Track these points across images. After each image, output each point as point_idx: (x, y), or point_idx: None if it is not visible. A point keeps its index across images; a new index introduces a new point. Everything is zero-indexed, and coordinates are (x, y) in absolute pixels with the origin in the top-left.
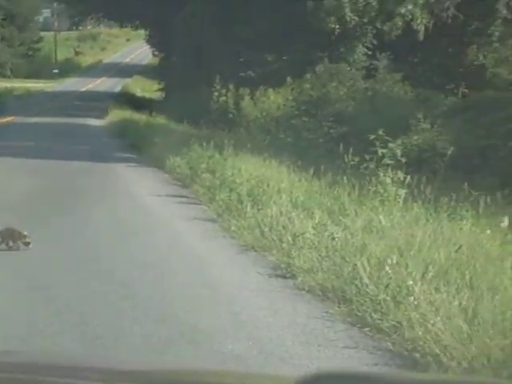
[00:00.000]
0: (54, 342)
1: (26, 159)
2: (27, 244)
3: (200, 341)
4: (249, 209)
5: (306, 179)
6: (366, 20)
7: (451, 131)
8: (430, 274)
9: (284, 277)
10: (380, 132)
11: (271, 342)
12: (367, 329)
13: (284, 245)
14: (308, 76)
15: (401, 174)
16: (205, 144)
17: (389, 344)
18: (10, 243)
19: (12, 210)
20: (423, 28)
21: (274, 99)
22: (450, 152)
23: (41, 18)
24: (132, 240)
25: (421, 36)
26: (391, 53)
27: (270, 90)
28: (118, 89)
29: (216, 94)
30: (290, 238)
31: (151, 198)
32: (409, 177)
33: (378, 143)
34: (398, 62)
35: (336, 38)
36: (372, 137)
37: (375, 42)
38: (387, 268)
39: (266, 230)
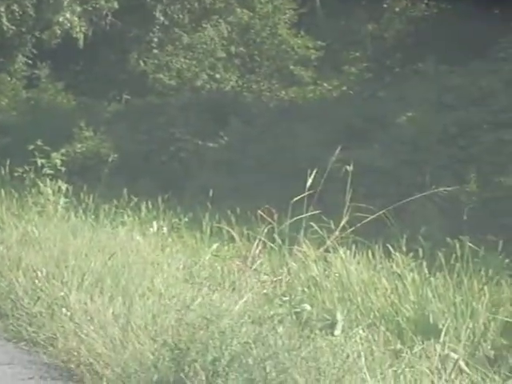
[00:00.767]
0: None
1: None
2: None
3: None
4: None
5: None
6: (23, 29)
7: (115, 138)
8: (86, 283)
9: None
10: (39, 142)
11: None
12: (23, 343)
13: None
14: None
15: (62, 184)
16: None
17: (44, 357)
18: None
19: None
20: (83, 36)
21: None
22: (111, 159)
23: None
24: None
25: (81, 44)
26: (52, 62)
27: None
28: None
29: None
30: None
31: None
32: (71, 186)
33: (37, 153)
34: (59, 70)
35: None
36: (31, 147)
37: (35, 52)
38: (37, 280)
39: None
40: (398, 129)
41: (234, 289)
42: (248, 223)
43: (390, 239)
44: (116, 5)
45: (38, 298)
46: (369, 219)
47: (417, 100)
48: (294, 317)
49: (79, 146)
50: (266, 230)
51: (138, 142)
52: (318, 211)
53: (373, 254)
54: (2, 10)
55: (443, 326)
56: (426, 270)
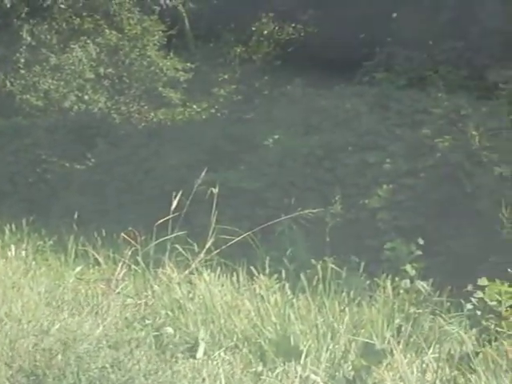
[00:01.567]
0: None
1: None
2: None
3: None
4: None
5: None
6: None
7: None
8: None
9: None
10: None
11: None
12: None
13: None
14: None
15: None
16: None
17: None
18: None
19: None
20: None
21: None
22: None
23: None
24: None
25: None
26: None
27: None
28: None
29: None
30: None
31: None
32: None
33: None
34: None
35: None
36: None
37: None
38: None
39: None
40: (265, 151)
41: (96, 312)
42: (114, 246)
43: (256, 261)
44: None
45: None
46: (234, 241)
47: (284, 122)
48: (153, 340)
49: None
50: (130, 253)
51: (4, 164)
52: (182, 233)
53: (237, 276)
54: None
55: (304, 347)
56: (289, 292)
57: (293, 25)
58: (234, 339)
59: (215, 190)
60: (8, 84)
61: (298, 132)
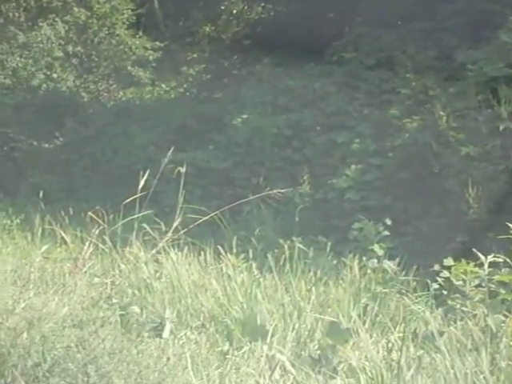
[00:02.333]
0: None
1: None
2: None
3: None
4: None
5: None
6: None
7: None
8: None
9: None
10: None
11: None
12: None
13: None
14: None
15: None
16: None
17: None
18: None
19: None
20: None
21: None
22: None
23: None
24: None
25: None
26: None
27: None
28: None
29: None
30: None
31: None
32: None
33: None
34: None
35: None
36: None
37: None
38: None
39: None
40: (234, 130)
41: (63, 291)
42: (81, 225)
43: (223, 241)
44: None
45: None
46: (202, 221)
47: (253, 102)
48: (119, 319)
49: None
50: (97, 232)
51: None
52: (150, 212)
53: (204, 256)
54: None
55: (271, 326)
56: (256, 271)
57: (262, 4)
58: (201, 318)
59: (182, 169)
60: None
61: (266, 112)
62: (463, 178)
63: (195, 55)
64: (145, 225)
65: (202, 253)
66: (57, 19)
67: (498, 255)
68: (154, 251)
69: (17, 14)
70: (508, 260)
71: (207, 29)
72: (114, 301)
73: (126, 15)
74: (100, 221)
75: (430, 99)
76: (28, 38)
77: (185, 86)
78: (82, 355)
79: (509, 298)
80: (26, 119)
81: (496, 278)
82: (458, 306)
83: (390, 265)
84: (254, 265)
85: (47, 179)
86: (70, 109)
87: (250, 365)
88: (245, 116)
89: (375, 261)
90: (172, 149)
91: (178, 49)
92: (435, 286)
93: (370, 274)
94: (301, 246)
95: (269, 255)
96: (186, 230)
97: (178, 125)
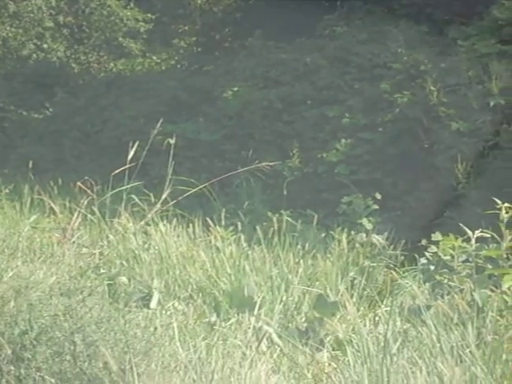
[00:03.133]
0: None
1: None
2: None
3: None
4: None
5: None
6: None
7: None
8: None
9: None
10: None
11: None
12: None
13: None
14: None
15: None
16: None
17: None
18: None
19: None
20: None
21: None
22: None
23: None
24: None
25: None
26: None
27: None
28: None
29: None
30: None
31: None
32: None
33: None
34: None
35: None
36: None
37: None
38: None
39: None
40: (224, 103)
41: (51, 261)
42: (70, 195)
43: (212, 213)
44: None
45: None
46: (190, 192)
47: (243, 75)
48: (106, 289)
49: None
50: (86, 203)
51: None
52: (139, 183)
53: (193, 228)
54: None
55: (258, 298)
56: (244, 244)
57: None
58: (189, 290)
59: (172, 141)
60: None
61: (257, 85)
62: (453, 154)
63: (186, 27)
64: (133, 196)
65: (191, 225)
66: None
67: (485, 230)
68: (142, 222)
69: None
70: (495, 235)
71: (199, 1)
72: (102, 271)
73: None
74: (89, 191)
75: (421, 74)
76: (18, 8)
77: (176, 58)
78: (69, 324)
79: (495, 273)
80: (15, 89)
81: (483, 253)
82: (446, 281)
83: (378, 239)
84: (242, 237)
85: (36, 149)
86: (60, 79)
87: (238, 336)
88: (235, 89)
89: (363, 235)
90: (161, 120)
91: (170, 21)
92: (423, 260)
93: (358, 248)
94: (289, 219)
95: (257, 228)
96: (174, 201)
97: (169, 97)
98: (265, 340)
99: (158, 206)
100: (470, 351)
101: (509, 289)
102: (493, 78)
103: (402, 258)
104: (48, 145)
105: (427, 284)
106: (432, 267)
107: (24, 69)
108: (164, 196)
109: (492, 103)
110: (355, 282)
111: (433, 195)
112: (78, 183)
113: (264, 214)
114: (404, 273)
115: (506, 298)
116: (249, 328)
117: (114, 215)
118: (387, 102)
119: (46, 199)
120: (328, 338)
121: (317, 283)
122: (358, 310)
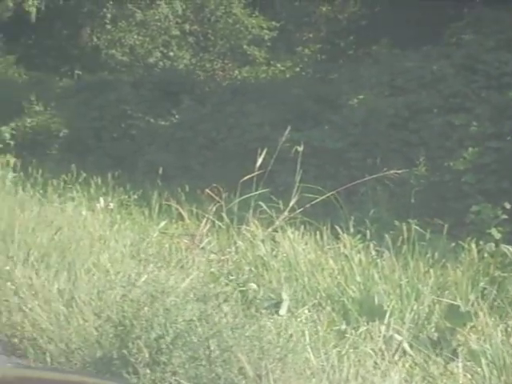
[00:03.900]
0: None
1: None
2: None
3: None
4: None
5: None
6: None
7: (65, 113)
8: (32, 258)
9: None
10: None
11: None
12: None
13: None
14: None
15: (11, 158)
16: None
17: None
18: None
19: None
20: (35, 10)
21: None
22: (62, 134)
23: None
24: None
25: (33, 18)
26: (4, 35)
27: None
28: None
29: None
30: None
31: None
32: (20, 160)
33: None
34: (11, 43)
35: None
36: None
37: None
38: None
39: None
40: (350, 111)
41: (181, 266)
42: (197, 202)
43: (339, 221)
44: None
45: None
46: (318, 200)
47: (369, 82)
48: (239, 295)
49: (29, 120)
50: (214, 209)
51: (89, 118)
52: (266, 190)
53: (321, 235)
54: None
55: (388, 307)
56: (373, 252)
57: None
58: (318, 297)
59: (300, 149)
60: (94, 39)
61: (383, 92)
62: None
63: (311, 35)
64: (261, 203)
65: (318, 232)
66: None
67: None
68: (269, 229)
69: None
70: None
71: (324, 9)
72: (232, 277)
73: None
74: (217, 198)
75: None
76: (146, 16)
77: (300, 65)
78: (205, 329)
79: None
80: (143, 96)
81: None
82: None
83: (508, 249)
84: (371, 245)
85: (163, 156)
86: (185, 87)
87: (368, 345)
88: (361, 96)
89: (492, 245)
90: (289, 128)
91: (294, 29)
92: None
93: (487, 258)
94: (417, 227)
95: (386, 236)
96: (301, 209)
97: (293, 104)
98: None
99: (286, 213)
100: None
101: None
102: None
103: None
104: (174, 152)
105: None
106: None
107: (151, 77)
108: (292, 203)
109: None
110: (485, 292)
111: None
112: (207, 190)
113: (390, 223)
114: None
115: None
116: (379, 337)
117: (241, 222)
118: None
119: (174, 205)
120: (460, 349)
121: (446, 293)
122: (489, 321)
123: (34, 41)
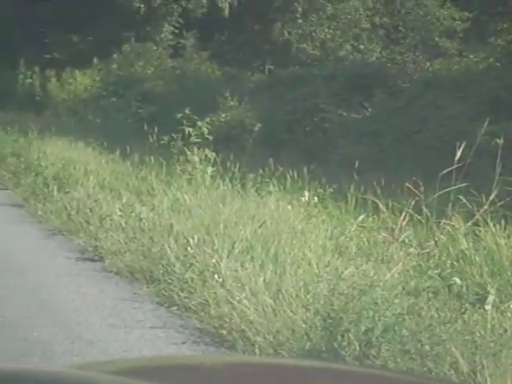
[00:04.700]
0: None
1: None
2: None
3: (4, 329)
4: (55, 192)
5: (113, 160)
6: None
7: (258, 108)
8: (236, 251)
9: (92, 260)
10: (187, 111)
11: (78, 326)
12: (175, 308)
13: (91, 227)
14: (115, 56)
15: (208, 152)
16: (9, 128)
17: (196, 322)
18: None
19: None
20: (228, 6)
21: (81, 80)
22: (257, 128)
23: None
24: None
25: (226, 14)
26: (198, 31)
27: (77, 72)
28: None
29: (21, 76)
30: (97, 221)
31: None
32: (216, 154)
33: (185, 122)
34: (204, 40)
35: (142, 17)
36: (179, 115)
37: (181, 21)
38: (189, 247)
39: (73, 213)
40: None
41: (382, 260)
42: (392, 195)
43: None
44: None
45: (190, 264)
46: None
47: None
48: (446, 290)
49: (224, 115)
50: (413, 203)
51: (282, 112)
52: (465, 184)
53: None
54: None
55: None
56: None
57: None
58: None
59: (500, 142)
60: (285, 33)
61: None
62: None
63: (505, 25)
64: (461, 197)
65: None
66: None
67: None
68: (469, 223)
69: None
70: None
71: None
72: (435, 271)
73: None
74: (416, 192)
75: None
76: (336, 10)
77: (494, 56)
78: (414, 323)
79: None
80: (334, 90)
81: None
82: None
83: None
84: None
85: (356, 150)
86: (377, 80)
87: None
88: None
89: None
90: (488, 120)
91: (487, 19)
92: None
93: None
94: None
95: None
96: (502, 202)
97: (488, 96)
98: None
99: (485, 206)
100: None
101: None
102: None
103: None
104: (368, 145)
105: None
106: None
107: (342, 70)
108: (492, 197)
109: None
110: None
111: None
112: (407, 184)
113: None
114: None
115: None
116: None
117: (439, 216)
118: None
119: (371, 198)
120: None
121: None
122: None
123: (226, 37)
